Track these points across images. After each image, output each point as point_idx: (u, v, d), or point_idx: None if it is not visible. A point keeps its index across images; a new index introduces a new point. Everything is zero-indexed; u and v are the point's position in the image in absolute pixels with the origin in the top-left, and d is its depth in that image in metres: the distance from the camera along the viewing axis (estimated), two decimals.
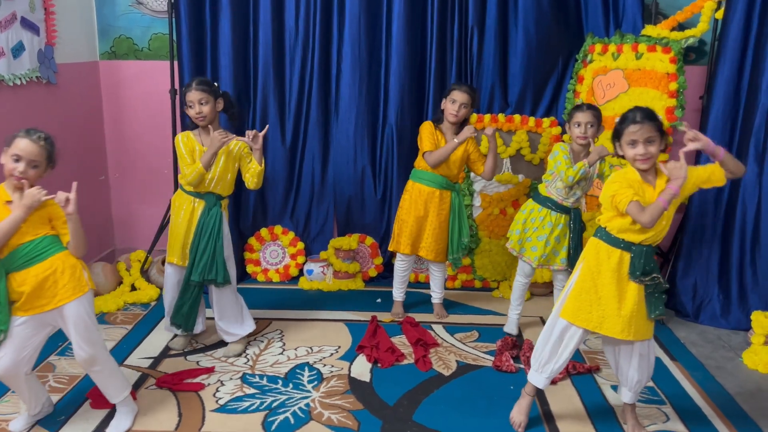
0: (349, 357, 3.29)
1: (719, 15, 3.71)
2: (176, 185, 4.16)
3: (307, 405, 2.84)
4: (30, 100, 3.54)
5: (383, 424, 2.71)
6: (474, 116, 4.05)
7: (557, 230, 3.32)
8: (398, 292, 3.80)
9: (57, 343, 3.23)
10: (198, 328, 3.35)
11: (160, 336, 3.43)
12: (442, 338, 3.52)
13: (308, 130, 4.24)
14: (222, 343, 3.35)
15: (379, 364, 3.20)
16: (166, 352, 3.28)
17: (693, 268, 3.87)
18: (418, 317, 3.73)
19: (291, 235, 4.36)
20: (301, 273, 4.33)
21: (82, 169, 4.13)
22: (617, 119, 2.49)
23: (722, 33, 3.70)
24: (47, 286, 2.38)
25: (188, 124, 3.22)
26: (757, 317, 3.48)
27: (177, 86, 4.07)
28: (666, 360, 3.34)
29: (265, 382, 3.03)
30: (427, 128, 3.54)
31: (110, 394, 2.61)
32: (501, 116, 4.07)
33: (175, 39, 4.02)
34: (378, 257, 4.33)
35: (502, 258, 4.16)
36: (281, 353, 3.31)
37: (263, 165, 3.13)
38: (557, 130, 4.07)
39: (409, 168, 3.72)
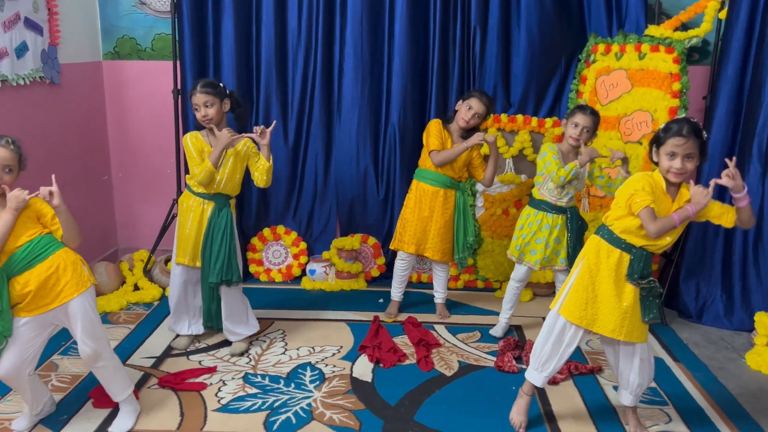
0: (351, 357, 3.29)
1: (722, 15, 3.70)
2: (179, 185, 4.18)
3: (309, 405, 2.84)
4: (33, 100, 3.55)
5: (385, 424, 2.71)
6: None
7: (555, 231, 3.32)
8: (396, 292, 3.80)
9: (60, 342, 3.24)
10: (200, 328, 3.36)
11: (163, 336, 3.44)
12: (444, 338, 3.52)
13: (311, 130, 4.25)
14: (224, 344, 3.36)
15: (381, 364, 3.20)
16: (168, 352, 3.28)
17: (696, 269, 3.86)
18: (421, 317, 3.73)
19: (294, 235, 4.36)
20: (303, 273, 4.34)
21: (86, 169, 4.14)
22: (662, 126, 2.46)
23: (725, 33, 3.70)
24: (50, 285, 2.39)
25: (197, 125, 3.22)
26: (761, 318, 3.47)
27: (180, 86, 4.08)
28: (668, 361, 3.33)
29: (267, 381, 3.03)
30: (435, 127, 3.54)
31: (113, 392, 2.61)
32: (504, 116, 4.07)
33: (178, 39, 4.02)
34: (380, 257, 4.33)
35: (504, 258, 4.15)
36: (283, 353, 3.31)
37: (271, 161, 3.13)
38: (560, 130, 4.06)
39: (411, 168, 3.72)
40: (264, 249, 4.38)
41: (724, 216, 2.46)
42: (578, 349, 2.64)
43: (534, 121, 4.07)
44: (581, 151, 3.21)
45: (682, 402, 2.95)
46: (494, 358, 3.28)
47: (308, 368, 3.16)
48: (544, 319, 2.70)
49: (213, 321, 3.30)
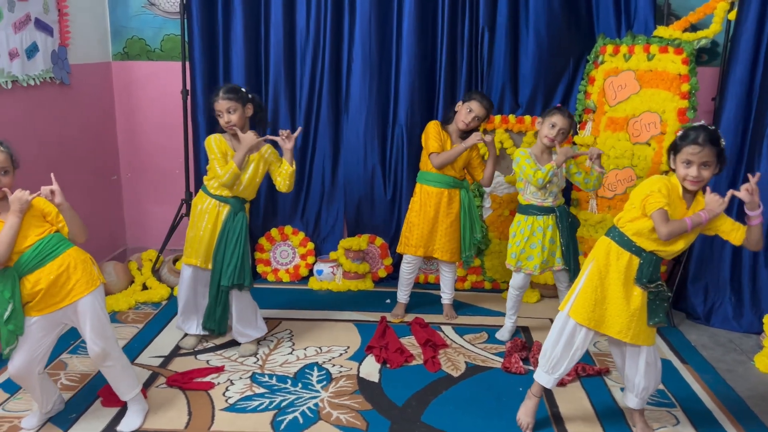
0: (358, 357, 3.29)
1: (732, 16, 3.68)
2: (188, 186, 4.20)
3: (316, 405, 2.85)
4: (43, 100, 3.58)
5: (392, 424, 2.72)
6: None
7: (548, 233, 3.34)
8: (403, 294, 3.80)
9: (69, 341, 3.26)
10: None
11: (171, 335, 3.45)
12: (451, 339, 3.52)
13: (318, 130, 4.26)
14: (231, 343, 3.37)
15: (388, 365, 3.21)
16: (176, 351, 3.30)
17: (704, 270, 3.85)
18: (427, 318, 3.73)
19: (301, 235, 4.37)
20: (311, 273, 4.35)
21: (95, 169, 4.17)
22: (679, 133, 2.44)
23: (735, 34, 3.68)
24: (61, 283, 2.41)
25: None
26: None
27: (189, 87, 4.10)
28: (676, 363, 3.32)
29: (274, 381, 3.04)
30: (434, 128, 3.55)
31: (121, 391, 2.63)
32: (511, 117, 4.06)
33: (187, 40, 4.04)
34: (388, 258, 4.33)
35: None
36: (290, 353, 3.32)
37: (294, 166, 3.14)
38: None
39: (418, 168, 3.72)
40: (272, 249, 4.39)
41: (733, 233, 2.45)
42: (586, 350, 2.64)
43: None
44: (556, 151, 3.26)
45: (690, 404, 2.94)
46: (501, 359, 3.27)
47: (315, 368, 3.17)
48: (551, 320, 2.70)
49: (215, 324, 3.25)
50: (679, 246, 2.45)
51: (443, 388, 3.02)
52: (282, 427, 2.68)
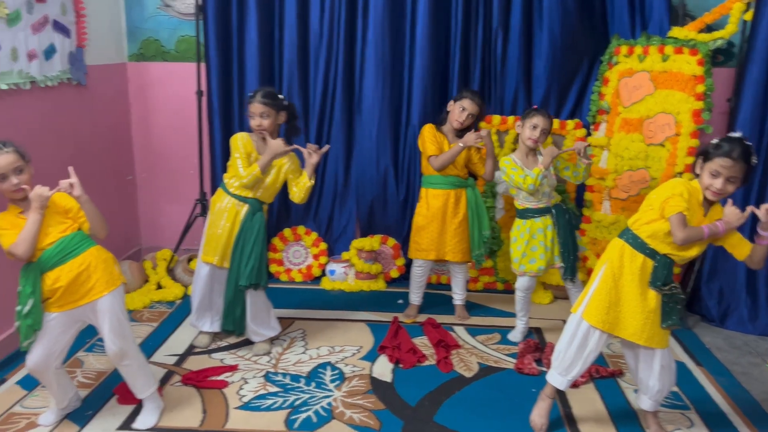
0: (371, 357, 3.30)
1: (748, 16, 3.66)
2: (202, 186, 4.23)
3: (329, 404, 2.86)
4: (61, 101, 3.61)
5: (404, 424, 2.72)
6: (497, 118, 4.04)
7: (549, 232, 3.37)
8: (415, 296, 3.81)
9: (85, 339, 3.29)
10: (219, 327, 3.38)
11: (185, 333, 3.48)
12: (463, 340, 3.52)
13: (331, 131, 4.27)
14: (245, 342, 3.39)
15: (400, 365, 3.21)
16: (191, 350, 3.32)
17: (719, 272, 3.82)
18: (440, 319, 3.73)
19: (314, 235, 4.39)
20: (323, 273, 4.36)
21: (110, 168, 4.20)
22: (714, 140, 2.41)
23: (751, 35, 3.66)
24: (81, 281, 2.43)
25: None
26: None
27: (203, 88, 4.13)
28: (691, 365, 3.30)
29: (287, 380, 3.06)
30: (429, 132, 3.58)
31: (137, 389, 2.65)
32: None
33: (202, 41, 4.07)
34: (400, 258, 4.34)
35: None
36: (303, 352, 3.34)
37: (313, 181, 3.15)
38: (582, 132, 4.05)
39: None
40: (284, 249, 4.41)
41: (739, 247, 2.45)
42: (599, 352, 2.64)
43: (556, 123, 4.05)
44: (540, 151, 3.32)
45: (705, 407, 2.93)
46: (514, 360, 3.27)
47: (328, 368, 3.18)
48: (564, 321, 2.69)
49: (235, 324, 3.24)
50: (693, 252, 2.44)
51: (456, 388, 3.02)
52: (295, 425, 2.70)
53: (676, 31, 3.76)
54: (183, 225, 4.24)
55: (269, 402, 2.87)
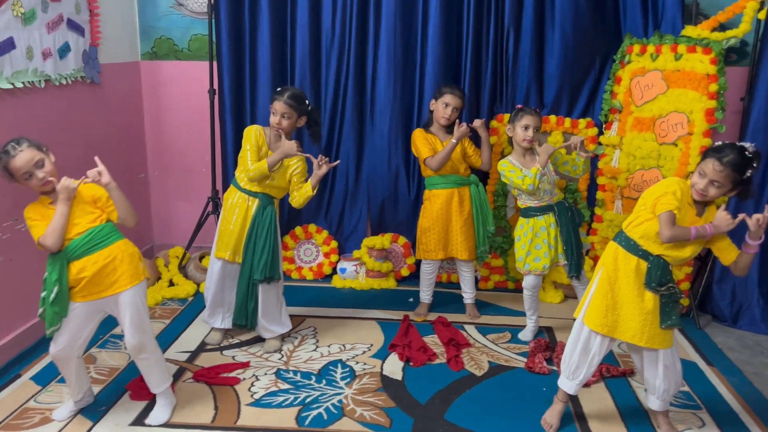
0: (382, 355, 3.31)
1: (762, 15, 3.63)
2: (214, 184, 4.25)
3: (340, 401, 2.87)
4: (75, 99, 3.65)
5: (415, 422, 2.73)
6: (509, 116, 4.03)
7: (552, 230, 3.39)
8: (426, 295, 3.82)
9: (98, 335, 3.32)
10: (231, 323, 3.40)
11: (197, 330, 3.50)
12: (474, 339, 3.53)
13: (343, 130, 4.28)
14: (257, 339, 3.41)
15: (411, 363, 3.22)
16: (203, 347, 3.34)
17: (731, 272, 3.78)
18: (450, 317, 3.74)
19: (325, 233, 4.41)
20: (334, 271, 4.37)
21: (123, 166, 4.23)
22: (718, 143, 2.43)
23: (765, 33, 3.64)
24: (106, 273, 2.46)
25: (243, 126, 3.24)
26: None
27: (216, 86, 4.15)
28: (702, 365, 3.29)
29: (298, 377, 3.07)
30: (419, 136, 3.62)
31: (152, 383, 2.68)
32: None
33: (214, 40, 4.10)
34: (410, 257, 4.34)
35: None
36: (314, 350, 3.35)
37: (315, 191, 3.16)
38: (593, 131, 4.04)
39: None
40: (296, 247, 4.43)
41: (726, 252, 2.47)
42: (610, 351, 2.63)
43: (567, 121, 4.05)
44: (536, 150, 3.34)
45: (716, 406, 2.92)
46: (525, 359, 3.27)
47: (339, 365, 3.20)
48: (574, 320, 2.69)
49: (248, 320, 3.26)
50: (687, 253, 2.45)
51: (466, 387, 3.03)
52: (306, 422, 2.71)
53: (689, 30, 3.74)
54: (195, 223, 4.27)
55: (280, 399, 2.89)
